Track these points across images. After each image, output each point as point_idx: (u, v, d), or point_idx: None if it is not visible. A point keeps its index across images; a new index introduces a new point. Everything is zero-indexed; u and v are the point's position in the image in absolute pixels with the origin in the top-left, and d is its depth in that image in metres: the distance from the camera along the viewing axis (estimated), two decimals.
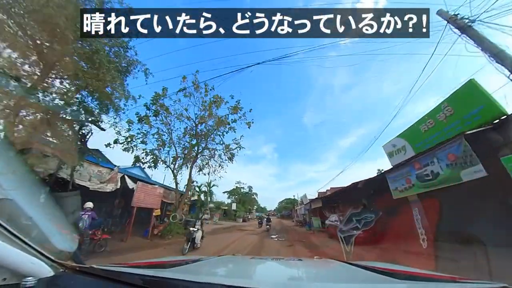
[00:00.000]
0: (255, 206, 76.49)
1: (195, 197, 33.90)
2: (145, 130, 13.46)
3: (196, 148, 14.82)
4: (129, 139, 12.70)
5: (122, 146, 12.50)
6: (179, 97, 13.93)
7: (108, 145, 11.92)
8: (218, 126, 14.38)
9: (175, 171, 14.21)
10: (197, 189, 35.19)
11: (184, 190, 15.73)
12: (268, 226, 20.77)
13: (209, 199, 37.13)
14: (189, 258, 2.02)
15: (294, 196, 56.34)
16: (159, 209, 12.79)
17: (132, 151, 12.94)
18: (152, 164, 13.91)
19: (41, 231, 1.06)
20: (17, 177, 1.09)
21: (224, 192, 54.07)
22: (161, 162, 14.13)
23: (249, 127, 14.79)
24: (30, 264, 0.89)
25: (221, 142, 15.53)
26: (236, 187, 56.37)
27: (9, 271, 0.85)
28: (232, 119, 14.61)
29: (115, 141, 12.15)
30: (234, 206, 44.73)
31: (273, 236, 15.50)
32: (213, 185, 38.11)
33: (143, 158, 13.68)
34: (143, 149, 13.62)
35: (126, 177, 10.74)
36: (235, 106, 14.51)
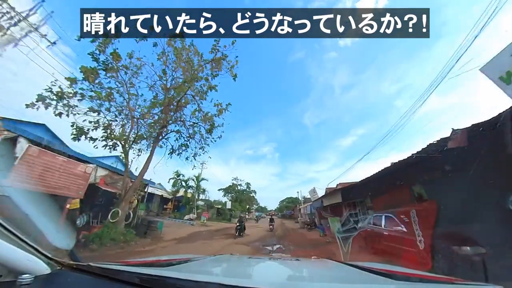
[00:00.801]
0: (255, 206, 70.88)
1: (181, 193, 29.98)
2: (92, 90, 8.92)
3: (163, 117, 10.34)
4: (60, 95, 8.24)
5: (46, 105, 8.15)
6: (151, 61, 9.95)
7: (29, 106, 7.92)
8: (192, 81, 9.96)
9: (126, 145, 9.64)
10: (183, 183, 30.66)
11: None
12: (271, 226, 20.72)
13: (197, 196, 31.16)
14: (186, 256, 2.01)
15: (298, 192, 48.76)
16: (79, 199, 7.79)
17: (67, 115, 8.55)
18: (110, 144, 9.62)
19: (38, 228, 1.06)
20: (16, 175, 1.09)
21: (219, 190, 48.44)
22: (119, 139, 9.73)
23: (234, 79, 10.24)
24: (27, 261, 0.89)
25: (198, 109, 10.77)
26: (233, 183, 50.53)
27: (5, 268, 0.84)
28: (212, 74, 10.43)
29: (38, 98, 7.95)
30: (228, 205, 38.69)
31: (274, 247, 10.72)
32: (202, 179, 31.96)
33: (89, 130, 9.20)
34: (91, 118, 9.13)
35: (20, 139, 6.05)
36: (213, 48, 9.64)
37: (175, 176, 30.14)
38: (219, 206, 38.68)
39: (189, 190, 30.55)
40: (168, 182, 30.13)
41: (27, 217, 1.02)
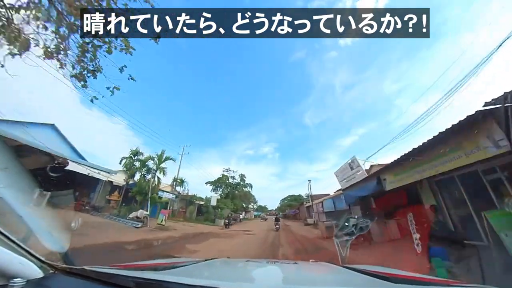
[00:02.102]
0: (252, 204, 59.84)
1: (136, 179, 20.37)
2: None
3: None
4: None
5: None
6: None
7: None
8: None
9: None
10: (144, 166, 20.71)
11: None
12: (277, 226, 20.98)
13: (156, 183, 20.43)
14: (182, 260, 2.00)
15: (309, 181, 36.33)
16: None
17: None
18: None
19: (31, 231, 1.05)
20: (7, 174, 1.08)
21: (207, 183, 38.77)
22: None
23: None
24: (19, 264, 0.88)
25: None
26: (223, 175, 40.47)
27: None
28: None
29: None
30: (213, 201, 28.58)
31: None
32: (168, 159, 21.67)
33: None
34: None
35: None
36: None
37: (131, 156, 20.51)
38: (201, 202, 28.94)
39: (149, 176, 20.62)
40: (120, 163, 20.54)
41: (20, 219, 1.01)
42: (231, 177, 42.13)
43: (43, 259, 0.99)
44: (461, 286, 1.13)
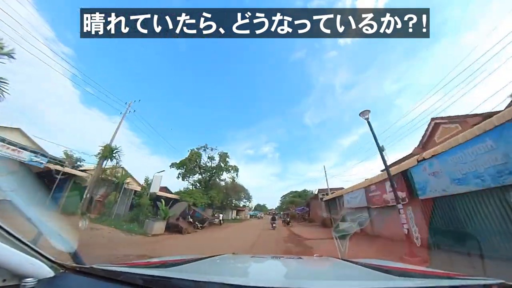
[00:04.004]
0: (245, 200, 39.64)
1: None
2: None
3: None
4: None
5: None
6: None
7: None
8: None
9: None
10: None
11: None
12: (274, 225, 20.83)
13: None
14: (189, 257, 2.02)
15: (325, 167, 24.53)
16: None
17: None
18: None
19: (40, 232, 1.06)
20: (16, 178, 1.09)
21: (171, 166, 24.86)
22: None
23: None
24: (30, 265, 0.89)
25: None
26: (192, 153, 25.07)
27: (8, 272, 0.85)
28: None
29: None
30: (154, 186, 15.94)
31: None
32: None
33: None
34: None
35: None
36: None
37: None
38: (137, 189, 17.00)
39: None
40: None
41: (30, 220, 1.03)
42: (208, 158, 26.27)
43: (53, 259, 1.00)
44: (464, 278, 1.14)
